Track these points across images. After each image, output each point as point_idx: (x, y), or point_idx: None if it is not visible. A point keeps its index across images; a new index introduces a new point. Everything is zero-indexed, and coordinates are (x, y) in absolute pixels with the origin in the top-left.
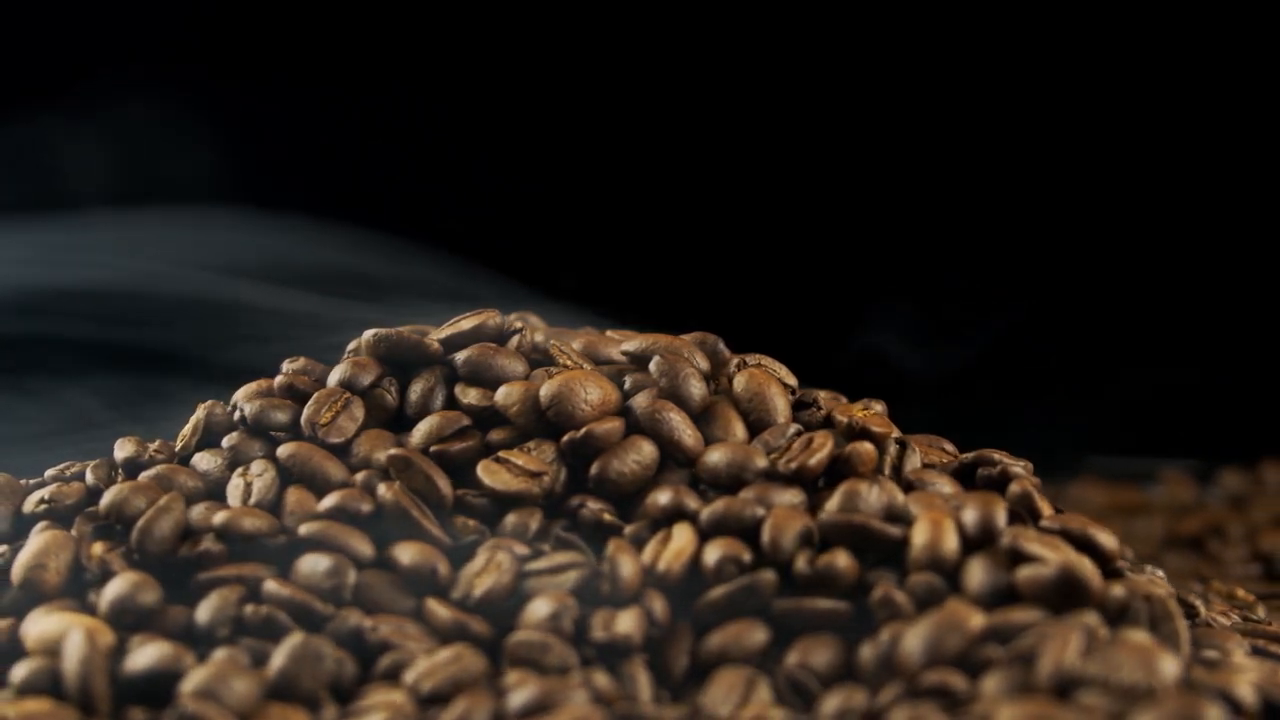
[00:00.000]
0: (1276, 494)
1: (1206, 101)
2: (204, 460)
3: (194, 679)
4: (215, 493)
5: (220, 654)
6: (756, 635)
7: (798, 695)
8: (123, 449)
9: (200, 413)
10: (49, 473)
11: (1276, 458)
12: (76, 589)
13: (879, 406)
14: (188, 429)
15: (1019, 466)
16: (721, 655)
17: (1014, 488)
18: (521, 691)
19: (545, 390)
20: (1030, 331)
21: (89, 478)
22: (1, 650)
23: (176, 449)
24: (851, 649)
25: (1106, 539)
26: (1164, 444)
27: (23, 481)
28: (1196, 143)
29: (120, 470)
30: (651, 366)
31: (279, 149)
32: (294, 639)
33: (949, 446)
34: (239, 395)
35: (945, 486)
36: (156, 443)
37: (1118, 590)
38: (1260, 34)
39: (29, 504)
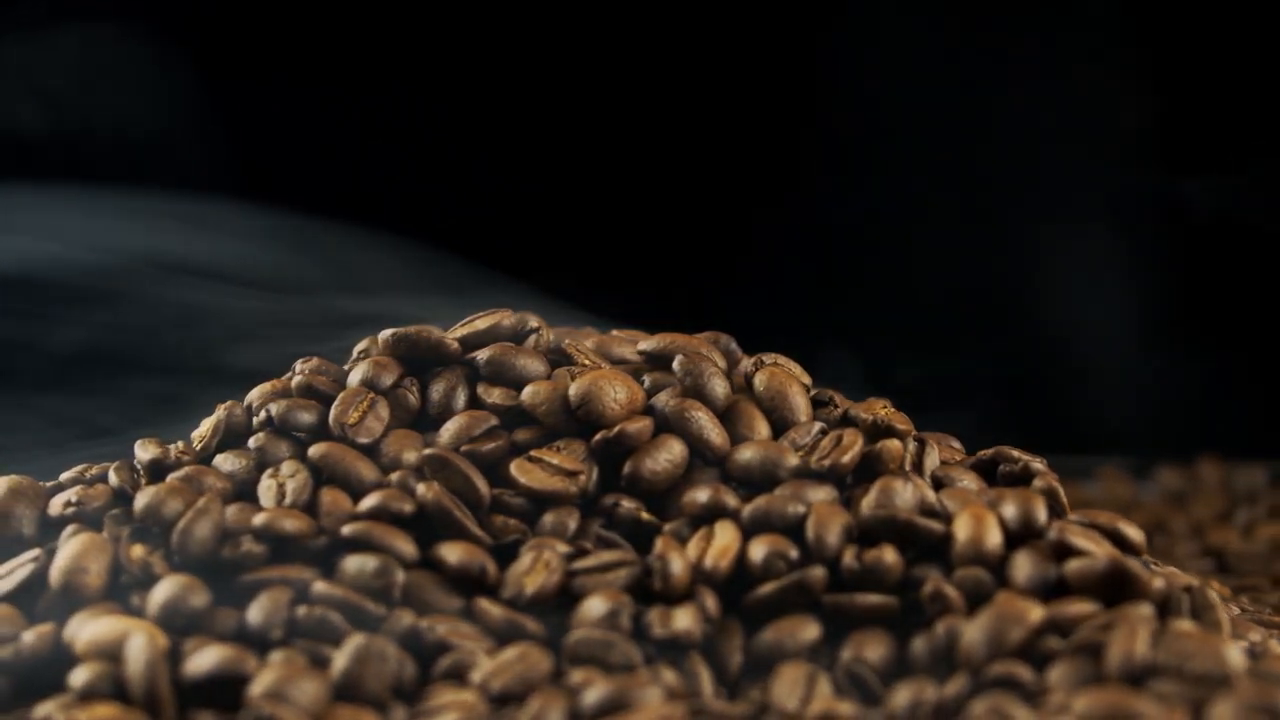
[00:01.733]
0: (1214, 490)
1: None
2: (227, 461)
3: (263, 681)
4: (243, 494)
5: (278, 656)
6: (809, 630)
7: (857, 689)
8: (146, 451)
9: (220, 413)
10: (66, 475)
11: (1213, 455)
12: (115, 592)
13: (883, 404)
14: (205, 429)
15: (1039, 463)
16: (775, 651)
17: (1038, 483)
18: (595, 689)
19: (574, 389)
20: (966, 331)
21: (113, 480)
22: (42, 654)
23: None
24: (901, 643)
25: (1133, 532)
26: (1100, 441)
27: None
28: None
29: (142, 472)
30: (675, 365)
31: (265, 144)
32: (357, 640)
33: (955, 443)
34: (255, 395)
35: (970, 482)
36: (180, 444)
37: (1159, 582)
38: None
39: (54, 507)
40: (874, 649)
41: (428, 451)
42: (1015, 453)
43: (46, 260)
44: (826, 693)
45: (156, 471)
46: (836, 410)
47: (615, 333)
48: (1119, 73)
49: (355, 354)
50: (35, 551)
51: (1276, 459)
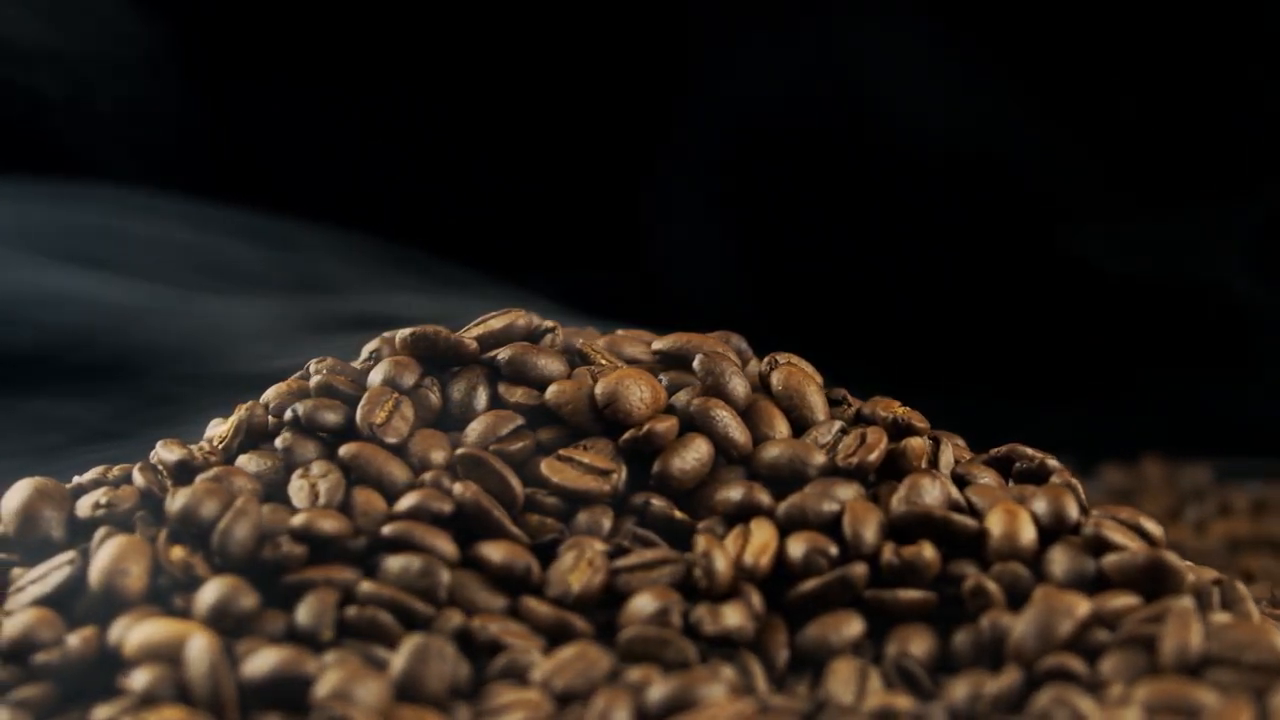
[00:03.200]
0: (1159, 488)
1: None
2: (251, 462)
3: (328, 682)
4: (270, 495)
5: (331, 657)
6: (854, 625)
7: (906, 683)
8: (170, 452)
9: (242, 413)
10: (87, 477)
11: (1157, 453)
12: (154, 594)
13: (897, 402)
14: (225, 430)
15: (1053, 460)
16: (820, 646)
17: (1056, 480)
18: (658, 687)
19: (601, 388)
20: (913, 329)
21: (139, 481)
22: (88, 658)
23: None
24: (942, 637)
25: (1153, 527)
26: (1044, 440)
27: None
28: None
29: (166, 473)
30: (696, 365)
31: (248, 143)
32: (415, 639)
33: (959, 441)
34: (272, 395)
35: (990, 480)
36: (205, 445)
37: (1191, 575)
38: None
39: (83, 509)
40: (919, 643)
41: (461, 451)
42: (1029, 450)
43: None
44: (878, 687)
45: (184, 473)
46: (849, 409)
47: (620, 333)
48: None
49: (366, 354)
50: (70, 554)
51: (1219, 457)
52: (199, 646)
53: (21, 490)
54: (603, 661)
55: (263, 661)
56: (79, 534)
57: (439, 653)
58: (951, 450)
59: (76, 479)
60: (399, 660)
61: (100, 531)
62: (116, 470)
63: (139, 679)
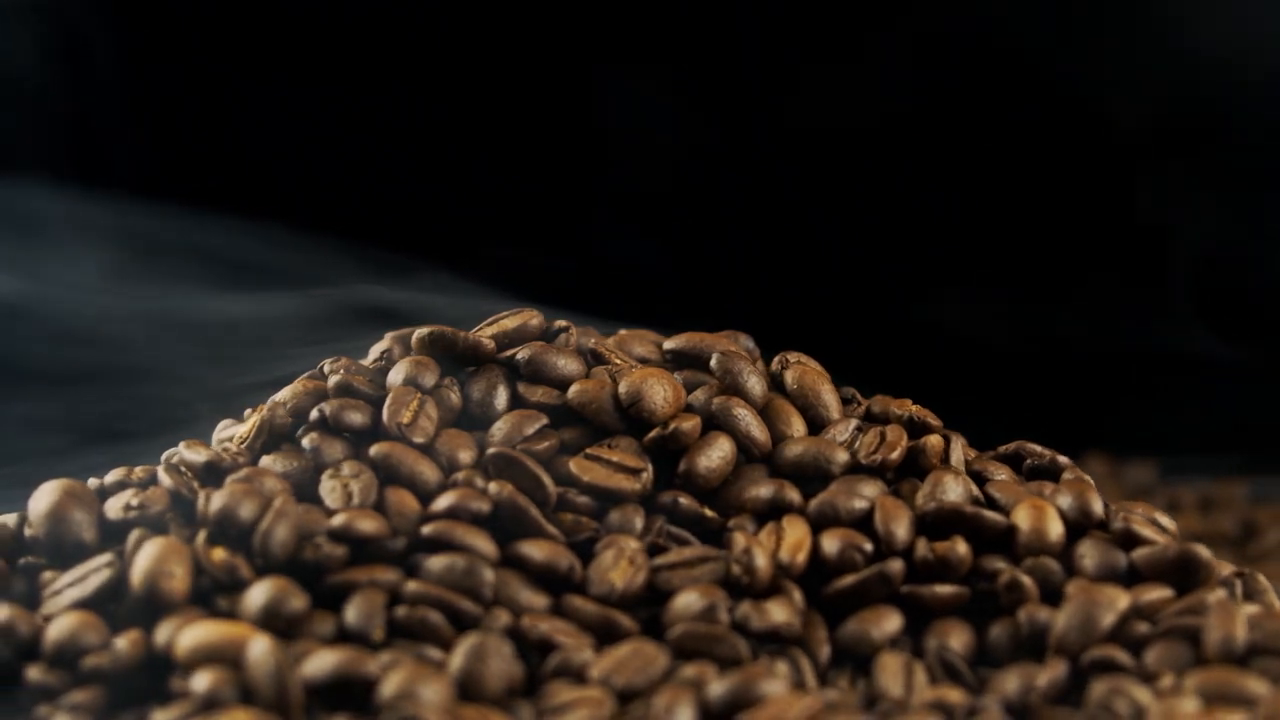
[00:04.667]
0: (1104, 486)
1: None
2: (277, 463)
3: (392, 682)
4: (298, 496)
5: (385, 658)
6: (893, 620)
7: (949, 676)
8: (196, 453)
9: (266, 413)
10: (110, 479)
11: (1100, 450)
12: (195, 596)
13: (898, 401)
14: (246, 430)
15: (1063, 457)
16: (860, 641)
17: (1068, 476)
18: (720, 683)
19: (624, 388)
20: (854, 327)
21: (166, 482)
22: (136, 661)
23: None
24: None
25: (1169, 522)
26: (986, 437)
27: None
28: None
29: (191, 474)
30: (713, 364)
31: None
32: (472, 639)
33: (961, 439)
34: (287, 395)
35: (1005, 476)
36: (233, 446)
37: (1222, 568)
38: None
39: (113, 510)
40: (957, 637)
41: (493, 450)
42: (1037, 447)
43: None
44: (924, 681)
45: (212, 474)
46: (859, 407)
47: (623, 333)
48: None
49: (377, 354)
50: (107, 556)
51: (1161, 454)
52: (262, 648)
53: (50, 492)
54: (660, 658)
55: (323, 662)
56: (109, 536)
57: (497, 651)
58: (961, 447)
59: (94, 480)
60: (457, 660)
61: (135, 533)
62: (139, 471)
63: (200, 681)
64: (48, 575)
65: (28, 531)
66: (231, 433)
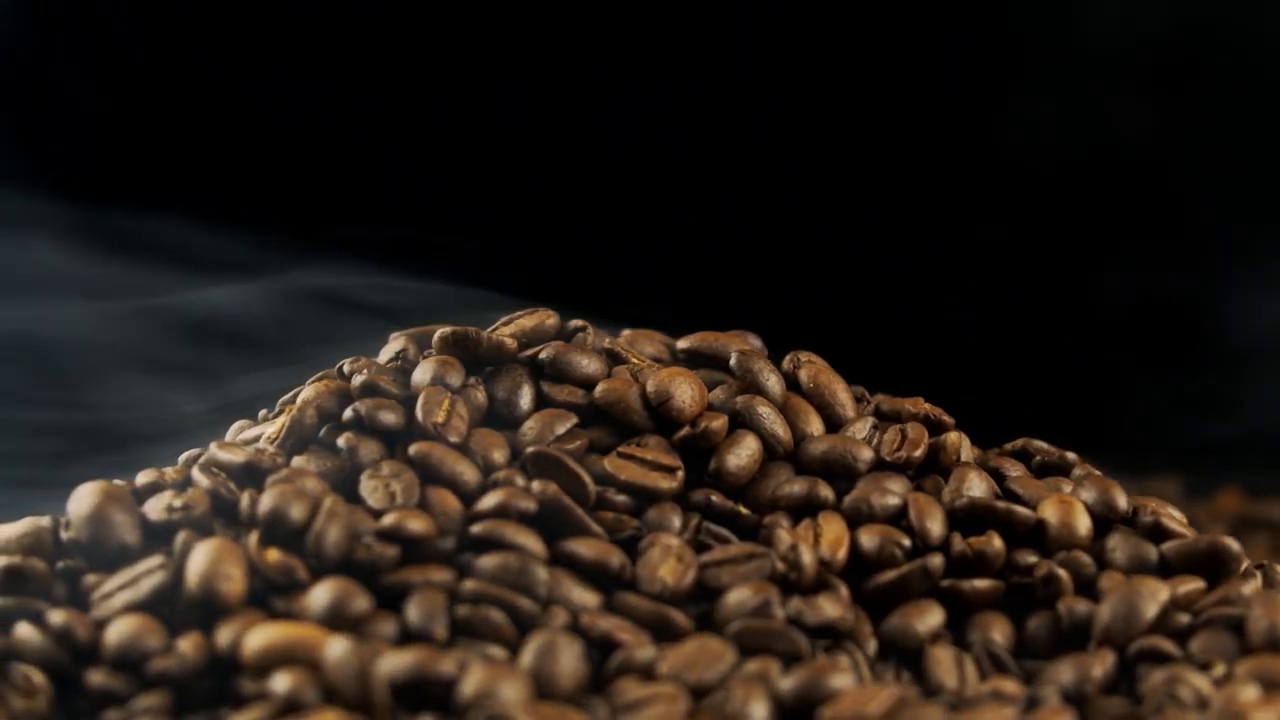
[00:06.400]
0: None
1: None
2: (311, 463)
3: (471, 682)
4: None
5: (456, 657)
6: (936, 614)
7: (997, 668)
8: (232, 454)
9: (295, 414)
10: (141, 480)
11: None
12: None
13: (912, 400)
14: (274, 431)
15: (1071, 454)
16: (904, 635)
17: (1078, 472)
18: (790, 678)
19: (653, 387)
20: (852, 327)
21: (204, 482)
22: (201, 664)
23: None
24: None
25: (1180, 514)
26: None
27: None
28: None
29: (227, 475)
30: (733, 363)
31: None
32: (542, 636)
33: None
34: (310, 395)
35: (1020, 473)
36: (269, 446)
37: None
38: None
39: (155, 511)
40: (999, 630)
41: (532, 450)
42: (1044, 444)
43: None
44: (974, 673)
45: (251, 475)
46: (869, 405)
47: (627, 332)
48: None
49: (392, 353)
50: (157, 558)
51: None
52: (344, 649)
53: (90, 494)
54: (728, 654)
55: (400, 662)
56: (150, 538)
57: (569, 649)
58: (967, 444)
59: (118, 482)
60: (528, 658)
61: (182, 535)
62: (171, 472)
63: (280, 683)
64: (91, 578)
65: (65, 534)
66: (254, 434)
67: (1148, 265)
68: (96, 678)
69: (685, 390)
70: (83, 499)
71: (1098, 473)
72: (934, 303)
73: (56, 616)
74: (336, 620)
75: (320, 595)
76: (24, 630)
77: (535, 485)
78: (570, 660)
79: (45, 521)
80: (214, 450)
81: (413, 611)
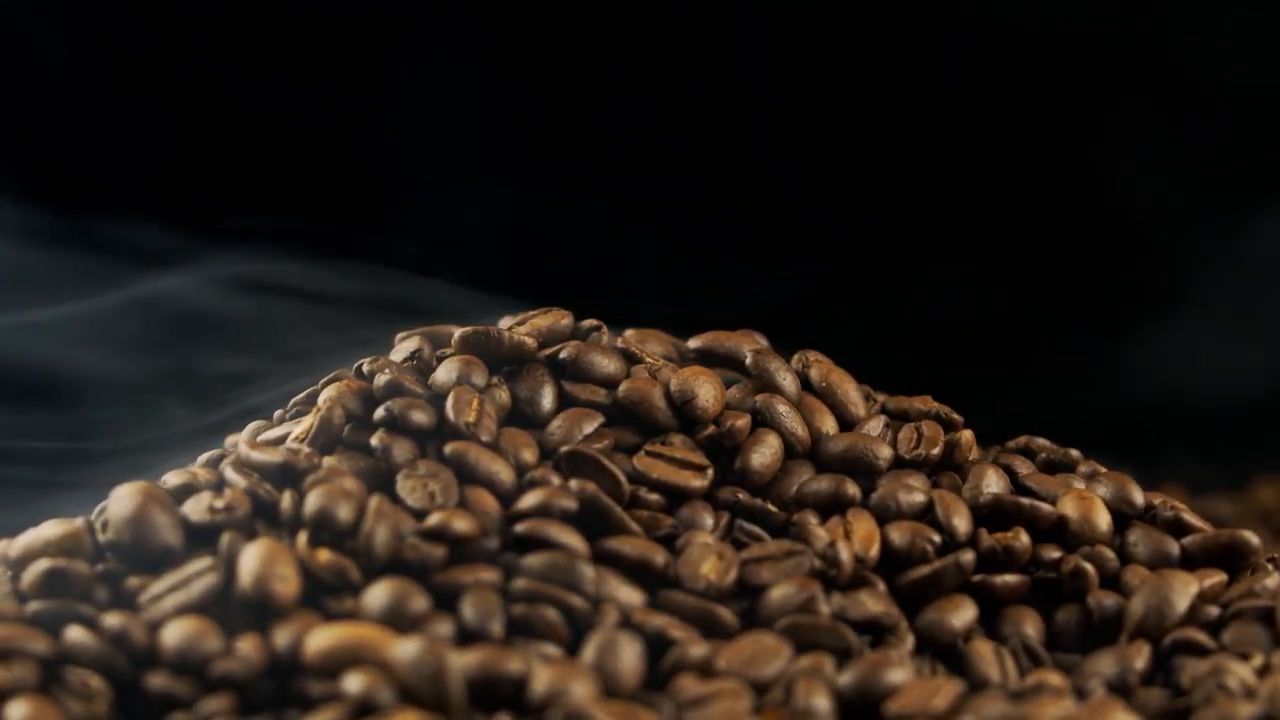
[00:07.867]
0: None
1: None
2: (344, 463)
3: (542, 680)
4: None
5: (520, 655)
6: (969, 609)
7: (1033, 661)
8: (267, 454)
9: (324, 413)
10: (174, 481)
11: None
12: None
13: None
14: (302, 431)
15: (1075, 451)
16: (942, 630)
17: (1083, 469)
18: (848, 673)
19: (676, 386)
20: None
21: (240, 483)
22: (263, 666)
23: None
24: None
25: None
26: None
27: None
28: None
29: (260, 475)
30: (748, 362)
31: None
32: (603, 634)
33: None
34: (332, 394)
35: (1029, 470)
36: (304, 448)
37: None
38: None
39: (196, 512)
40: (1031, 624)
41: (566, 449)
42: (1046, 442)
43: None
44: (1013, 666)
45: (287, 475)
46: (875, 404)
47: (630, 332)
48: None
49: (407, 353)
50: (206, 560)
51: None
52: (417, 649)
53: (130, 496)
54: (783, 650)
55: (467, 661)
56: (191, 539)
57: (629, 646)
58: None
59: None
60: (590, 655)
61: (228, 536)
62: (204, 473)
63: (352, 683)
64: (134, 581)
65: (104, 536)
66: (275, 434)
67: (1147, 265)
68: (158, 681)
69: (708, 389)
70: (124, 500)
71: (1104, 469)
72: (922, 304)
73: (112, 619)
74: (396, 620)
75: (378, 595)
76: (76, 634)
77: (573, 484)
78: (631, 657)
79: (79, 522)
80: (245, 450)
81: (469, 611)
